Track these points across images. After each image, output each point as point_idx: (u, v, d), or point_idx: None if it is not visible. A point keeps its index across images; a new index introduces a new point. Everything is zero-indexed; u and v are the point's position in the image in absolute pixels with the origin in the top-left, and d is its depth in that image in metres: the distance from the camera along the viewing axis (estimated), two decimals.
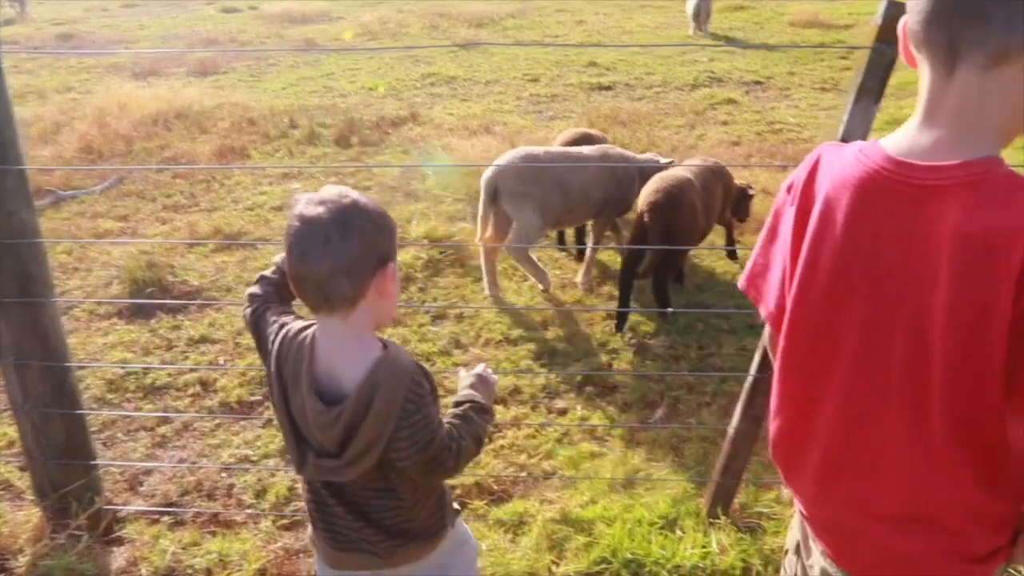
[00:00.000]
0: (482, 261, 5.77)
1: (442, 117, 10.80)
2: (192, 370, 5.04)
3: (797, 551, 1.86)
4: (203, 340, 5.46)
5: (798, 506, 1.78)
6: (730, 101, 11.25)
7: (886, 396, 1.46)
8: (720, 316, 5.41)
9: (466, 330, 5.40)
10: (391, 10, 20.05)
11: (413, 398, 1.76)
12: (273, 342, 1.89)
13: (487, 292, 5.77)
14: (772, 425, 1.74)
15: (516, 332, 5.32)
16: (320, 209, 1.71)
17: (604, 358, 5.01)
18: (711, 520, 3.48)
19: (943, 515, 1.51)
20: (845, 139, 2.95)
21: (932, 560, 1.53)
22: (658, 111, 10.85)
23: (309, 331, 1.86)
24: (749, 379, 3.28)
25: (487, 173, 5.56)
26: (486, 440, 2.31)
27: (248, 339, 5.36)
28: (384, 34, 17.38)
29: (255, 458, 4.24)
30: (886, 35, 2.67)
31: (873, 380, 1.47)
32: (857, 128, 2.92)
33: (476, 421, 2.00)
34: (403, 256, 6.34)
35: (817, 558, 1.74)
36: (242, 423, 4.56)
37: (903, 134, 1.45)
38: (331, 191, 1.76)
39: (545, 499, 3.80)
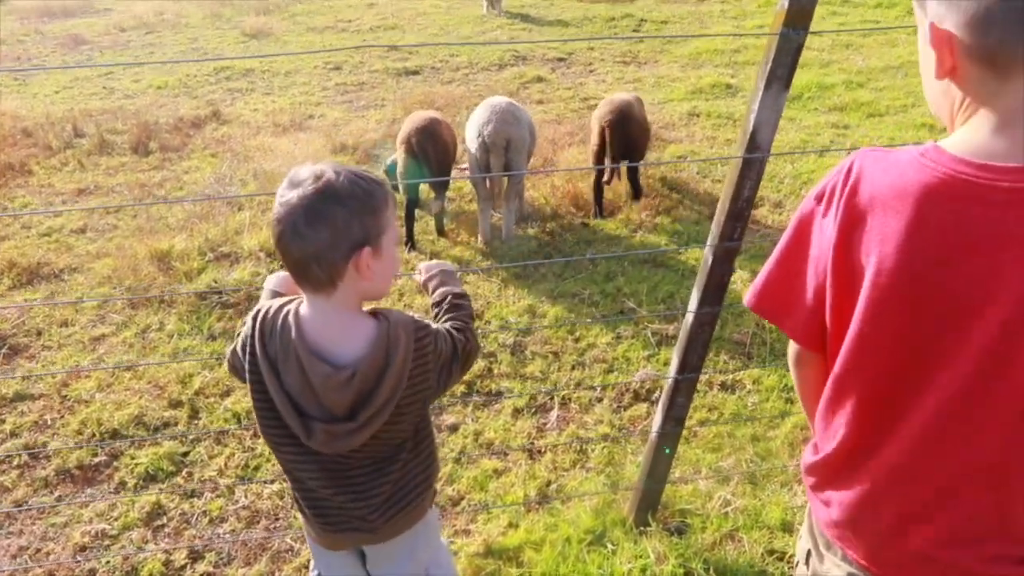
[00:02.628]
0: (482, 216, 6.16)
1: (247, 114, 10.02)
2: (13, 435, 4.29)
3: (808, 560, 1.78)
4: (20, 397, 4.67)
5: (819, 516, 1.69)
6: (539, 79, 11.20)
7: (989, 417, 1.36)
8: (591, 304, 5.27)
9: None
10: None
11: (420, 347, 1.86)
12: (252, 329, 1.87)
13: (482, 240, 6.19)
14: (825, 442, 1.63)
15: None
16: (292, 194, 1.71)
17: (481, 363, 4.73)
18: (640, 528, 3.32)
19: (1016, 530, 1.45)
20: (757, 129, 2.83)
21: (986, 564, 1.47)
22: (471, 93, 10.60)
23: (291, 306, 1.87)
24: (669, 381, 3.14)
25: (494, 127, 5.80)
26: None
27: (79, 388, 4.64)
28: (163, 26, 16.00)
29: (115, 532, 3.64)
30: (793, 20, 2.59)
31: (979, 400, 1.36)
32: (769, 117, 2.81)
33: (464, 306, 2.14)
34: (240, 274, 5.75)
35: (835, 564, 1.67)
36: (89, 491, 3.91)
37: (969, 137, 1.33)
38: (305, 172, 1.74)
39: (460, 530, 3.50)
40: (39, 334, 5.29)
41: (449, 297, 2.15)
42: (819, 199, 1.52)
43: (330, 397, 1.78)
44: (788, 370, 1.90)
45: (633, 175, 6.69)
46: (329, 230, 1.68)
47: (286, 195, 1.72)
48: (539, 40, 13.52)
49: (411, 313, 1.92)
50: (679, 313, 5.14)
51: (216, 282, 5.66)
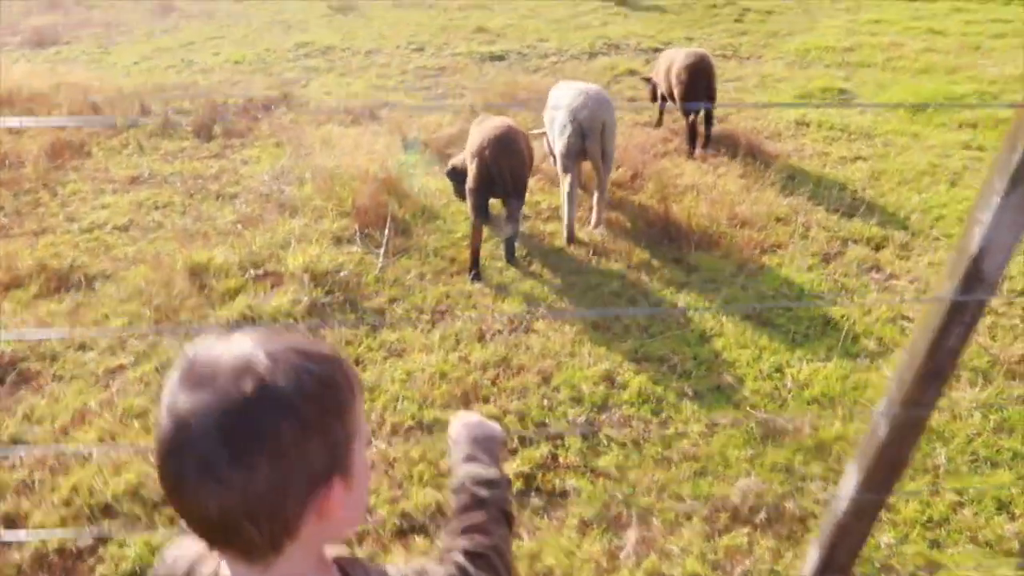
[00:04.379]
0: (567, 206, 5.62)
1: (319, 97, 9.18)
2: None
3: None
4: (15, 441, 3.93)
5: None
6: (632, 72, 10.04)
7: None
8: (681, 375, 4.25)
9: (366, 409, 4.06)
10: None
11: None
12: None
13: (566, 236, 5.66)
14: None
15: (431, 413, 4.01)
16: (199, 400, 0.93)
17: (545, 448, 3.76)
18: None
19: None
20: (984, 253, 1.77)
21: None
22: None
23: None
24: (843, 503, 2.10)
25: (589, 111, 5.53)
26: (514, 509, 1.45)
27: (80, 437, 3.87)
28: None
29: None
30: None
31: None
32: (1006, 237, 1.74)
33: (494, 504, 1.41)
34: (278, 300, 4.90)
35: None
36: None
37: None
38: (228, 354, 0.96)
39: None
40: (54, 359, 4.53)
41: (476, 489, 1.42)
42: None
43: None
44: None
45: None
46: (273, 467, 0.93)
47: (186, 400, 0.93)
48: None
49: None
50: (789, 394, 4.09)
51: (251, 309, 4.82)
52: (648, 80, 8.31)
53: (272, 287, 5.14)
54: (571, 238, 5.67)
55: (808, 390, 4.11)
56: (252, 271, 5.25)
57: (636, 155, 6.99)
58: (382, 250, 5.49)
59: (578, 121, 5.56)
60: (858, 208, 6.15)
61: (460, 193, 5.79)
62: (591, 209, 5.93)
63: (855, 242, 5.67)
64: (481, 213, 5.16)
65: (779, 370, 4.29)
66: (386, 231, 5.65)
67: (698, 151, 7.29)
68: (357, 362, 4.46)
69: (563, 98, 5.79)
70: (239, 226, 5.94)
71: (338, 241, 5.66)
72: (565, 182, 5.66)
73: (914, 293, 5.03)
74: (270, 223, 5.93)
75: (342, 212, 5.98)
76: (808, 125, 8.05)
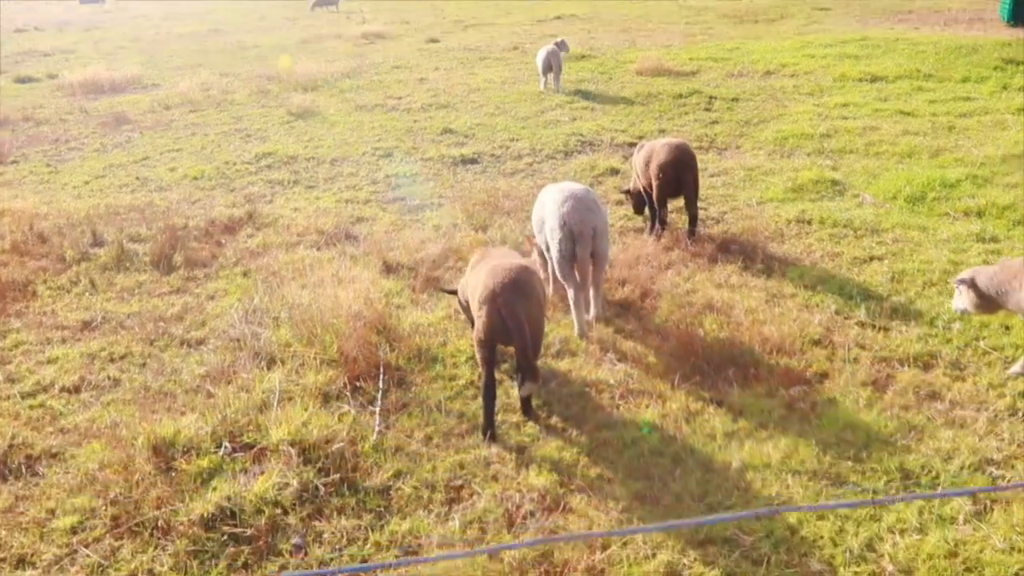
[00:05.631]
0: (575, 310, 5.50)
1: (287, 215, 8.42)
2: None
3: None
4: None
5: None
6: (613, 171, 9.50)
7: None
8: (758, 562, 3.45)
9: None
10: (212, 74, 17.23)
11: None
12: None
13: (578, 333, 5.49)
14: None
15: None
16: None
17: None
18: None
19: None
20: None
21: None
22: (537, 190, 8.93)
23: None
24: None
25: (579, 216, 5.37)
26: None
27: None
28: (208, 103, 14.64)
29: None
30: None
31: None
32: None
33: None
34: (262, 485, 4.03)
35: None
36: None
37: None
38: None
39: None
40: None
41: None
42: None
43: None
44: None
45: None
46: None
47: None
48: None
49: None
50: None
51: (230, 500, 3.94)
52: (628, 192, 7.77)
53: (252, 463, 4.27)
54: (583, 334, 5.50)
55: None
56: (227, 445, 4.38)
57: (641, 270, 6.33)
58: (378, 408, 4.67)
59: (568, 227, 5.37)
60: (891, 319, 5.53)
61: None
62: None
63: (901, 363, 5.02)
64: (491, 367, 4.40)
65: (871, 547, 3.53)
66: (380, 384, 4.85)
67: (690, 246, 6.83)
68: (364, 561, 3.61)
69: (548, 201, 5.64)
70: (208, 383, 5.09)
71: (326, 399, 4.83)
72: (568, 288, 5.51)
73: (986, 424, 4.35)
74: (245, 378, 5.09)
75: (327, 360, 5.16)
76: (810, 222, 7.51)
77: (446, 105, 13.44)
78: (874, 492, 3.84)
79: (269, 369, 5.19)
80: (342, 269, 6.51)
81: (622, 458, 4.21)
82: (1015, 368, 4.81)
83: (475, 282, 4.59)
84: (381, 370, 4.96)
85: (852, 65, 14.47)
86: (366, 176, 9.76)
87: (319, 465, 4.16)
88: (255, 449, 4.34)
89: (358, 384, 4.93)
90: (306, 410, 4.61)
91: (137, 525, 3.84)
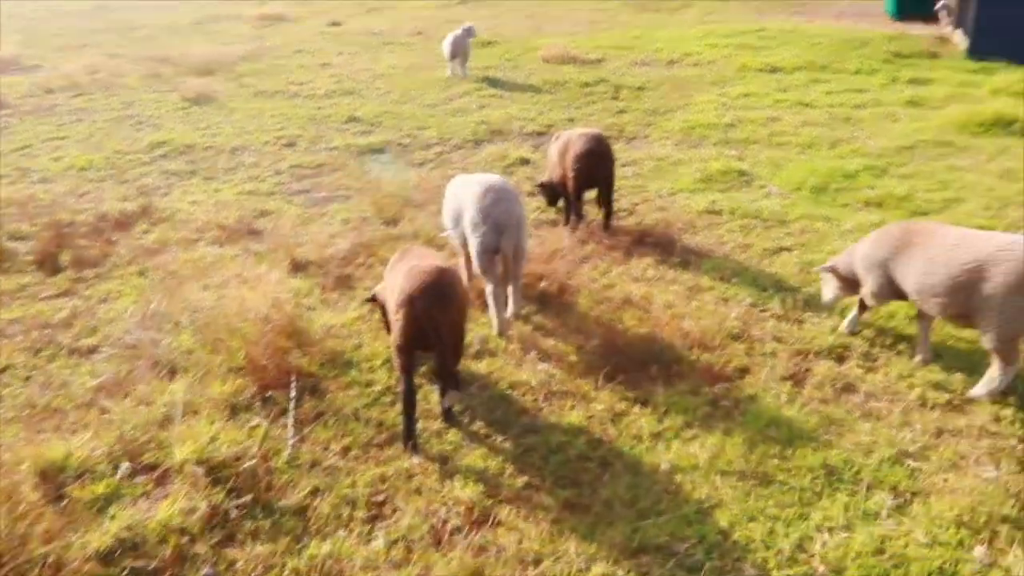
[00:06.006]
0: (494, 306, 5.34)
1: (185, 208, 7.93)
2: None
3: None
4: None
5: None
6: (524, 161, 9.36)
7: None
8: (692, 569, 3.38)
9: None
10: (99, 55, 16.18)
11: None
12: None
13: (498, 330, 5.35)
14: None
15: None
16: None
17: None
18: None
19: None
20: None
21: None
22: (447, 181, 8.69)
23: None
24: None
25: (504, 207, 5.19)
26: None
27: None
28: (95, 87, 13.73)
29: None
30: None
31: None
32: None
33: None
34: (166, 511, 3.70)
35: None
36: None
37: None
38: None
39: None
40: None
41: None
42: None
43: None
44: None
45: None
46: None
47: None
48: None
49: None
50: None
51: (131, 530, 3.61)
52: (542, 186, 7.64)
53: (155, 486, 3.94)
54: (503, 331, 5.37)
55: None
56: (126, 466, 4.03)
57: (558, 265, 6.20)
58: (291, 419, 4.39)
59: (493, 218, 5.18)
60: (804, 311, 5.58)
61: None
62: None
63: (816, 356, 5.06)
64: (411, 375, 4.19)
65: (802, 547, 3.51)
66: (292, 392, 4.56)
67: (605, 239, 6.78)
68: None
69: (468, 194, 5.40)
70: (103, 397, 4.68)
71: (234, 411, 4.50)
72: (487, 283, 5.37)
73: (900, 416, 4.41)
74: (143, 390, 4.71)
75: (234, 368, 4.83)
76: (720, 213, 7.55)
77: (351, 92, 13.00)
78: (801, 490, 3.83)
79: (171, 380, 4.82)
80: (247, 268, 6.15)
81: (549, 464, 4.08)
82: (976, 390, 4.58)
83: (393, 285, 4.36)
84: (293, 377, 4.67)
85: (752, 55, 14.72)
86: (269, 167, 9.31)
87: (229, 485, 3.87)
88: (157, 470, 4.01)
89: (269, 394, 4.62)
90: (213, 424, 4.29)
91: (25, 564, 3.46)
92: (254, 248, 6.73)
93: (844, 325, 5.33)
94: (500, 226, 5.19)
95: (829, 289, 5.48)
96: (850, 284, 5.26)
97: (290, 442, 4.21)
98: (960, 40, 14.63)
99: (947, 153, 9.09)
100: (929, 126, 10.07)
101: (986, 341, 4.38)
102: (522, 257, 5.47)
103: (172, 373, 4.90)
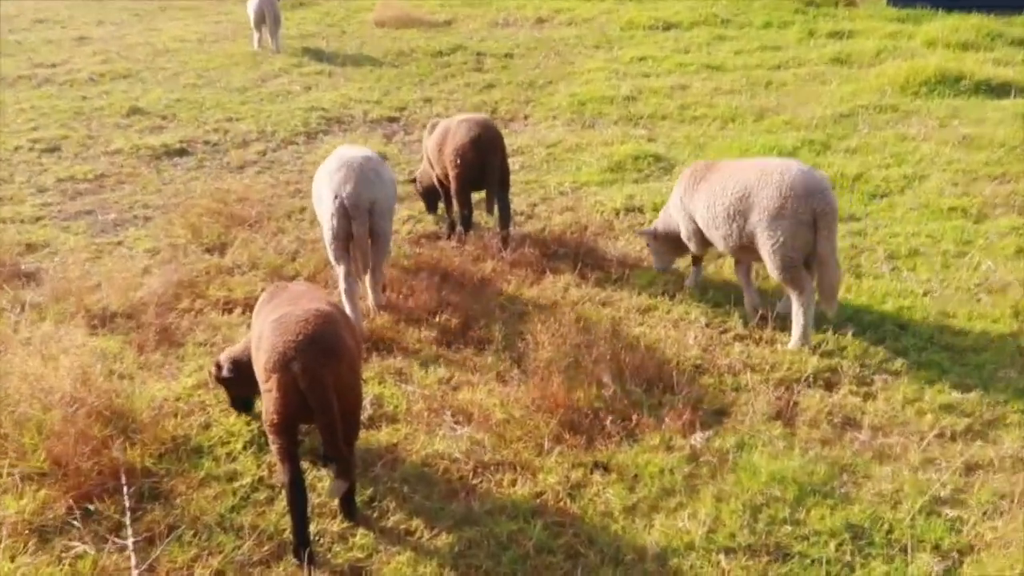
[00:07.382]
0: (349, 305, 5.67)
1: None
2: None
3: None
4: None
5: None
6: (382, 157, 9.12)
7: None
8: None
9: None
10: None
11: None
12: None
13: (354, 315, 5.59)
14: None
15: None
16: None
17: None
18: None
19: None
20: None
21: None
22: (282, 189, 8.35)
23: None
24: None
25: (354, 188, 5.53)
26: None
27: None
28: None
29: None
30: None
31: None
32: None
33: None
34: None
35: None
36: None
37: None
38: None
39: None
40: None
41: None
42: None
43: None
44: None
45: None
46: None
47: None
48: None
49: None
50: None
51: None
52: (416, 181, 7.51)
53: None
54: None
55: None
56: None
57: (467, 299, 6.04)
58: (129, 539, 3.97)
59: (341, 200, 5.55)
60: (772, 329, 5.66)
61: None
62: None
63: (800, 383, 5.13)
64: (295, 460, 3.90)
65: None
66: (125, 500, 4.13)
67: (506, 254, 6.62)
68: None
69: (324, 169, 5.84)
70: None
71: (43, 537, 4.03)
72: (340, 275, 5.74)
73: (919, 453, 4.52)
74: None
75: (33, 475, 4.33)
76: (641, 210, 7.64)
77: (126, 75, 12.37)
78: (827, 563, 3.82)
79: None
80: (23, 328, 5.60)
81: (501, 566, 3.87)
82: (793, 341, 5.52)
83: (259, 339, 4.04)
84: (123, 479, 4.24)
85: (637, 9, 15.19)
86: (28, 182, 8.63)
87: None
88: None
89: (91, 506, 4.18)
90: (12, 560, 3.81)
91: None
92: (28, 298, 6.14)
93: (688, 281, 6.35)
94: (350, 208, 5.52)
95: (659, 257, 6.46)
96: (675, 243, 6.23)
97: (135, 574, 3.80)
98: None
99: (893, 120, 9.62)
100: (865, 88, 10.65)
101: (772, 272, 5.42)
102: (383, 246, 5.87)
103: None
